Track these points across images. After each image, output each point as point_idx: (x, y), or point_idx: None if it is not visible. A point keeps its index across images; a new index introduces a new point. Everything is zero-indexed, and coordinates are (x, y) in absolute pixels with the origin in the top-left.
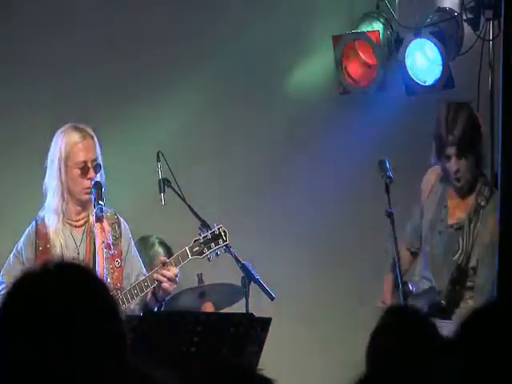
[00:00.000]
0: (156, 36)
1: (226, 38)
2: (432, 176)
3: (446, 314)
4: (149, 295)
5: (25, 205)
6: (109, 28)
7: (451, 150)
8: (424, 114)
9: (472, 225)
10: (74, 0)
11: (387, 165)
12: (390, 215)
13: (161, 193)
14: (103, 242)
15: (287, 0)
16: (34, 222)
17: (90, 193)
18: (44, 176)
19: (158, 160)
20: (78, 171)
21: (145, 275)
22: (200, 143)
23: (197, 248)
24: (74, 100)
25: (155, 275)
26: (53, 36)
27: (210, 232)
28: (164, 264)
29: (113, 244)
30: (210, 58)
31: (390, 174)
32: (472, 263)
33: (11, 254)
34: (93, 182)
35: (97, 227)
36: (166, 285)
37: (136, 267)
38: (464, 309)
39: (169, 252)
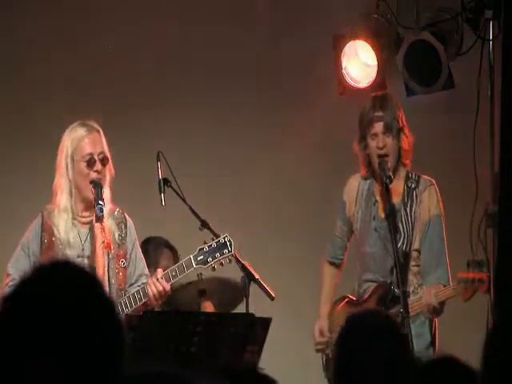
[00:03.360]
0: (156, 38)
1: (226, 38)
2: (353, 183)
3: (399, 302)
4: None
5: (31, 204)
6: (110, 30)
7: (378, 127)
8: (424, 114)
9: (408, 208)
10: (75, 1)
11: (387, 165)
12: (388, 216)
13: (161, 193)
14: (103, 241)
15: (287, 0)
16: (40, 215)
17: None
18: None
19: (158, 160)
20: (85, 164)
21: (147, 276)
22: (200, 143)
23: (201, 257)
24: (74, 101)
25: (148, 279)
26: (52, 38)
27: (215, 241)
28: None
29: (119, 244)
30: (209, 58)
31: (390, 173)
32: (415, 245)
33: (18, 248)
34: (92, 183)
35: (97, 227)
36: (150, 293)
37: (138, 267)
38: (415, 289)
39: (174, 254)
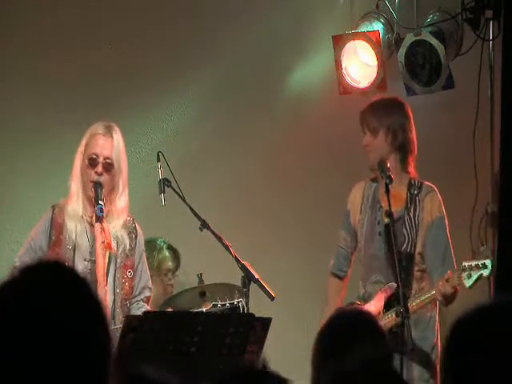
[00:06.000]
0: (155, 38)
1: (226, 38)
2: (357, 192)
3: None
4: None
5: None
6: (108, 30)
7: (364, 128)
8: (424, 114)
9: (411, 213)
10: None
11: (387, 165)
12: (389, 216)
13: (161, 193)
14: (103, 241)
15: (287, 0)
16: (50, 210)
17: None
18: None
19: (158, 160)
20: (87, 162)
21: (151, 289)
22: (200, 143)
23: (217, 311)
24: (74, 101)
25: None
26: (53, 37)
27: (229, 302)
28: None
29: (127, 255)
30: (209, 58)
31: (390, 173)
32: (418, 249)
33: (27, 240)
34: (93, 183)
35: (97, 227)
36: None
37: (143, 280)
38: (416, 293)
39: (176, 256)
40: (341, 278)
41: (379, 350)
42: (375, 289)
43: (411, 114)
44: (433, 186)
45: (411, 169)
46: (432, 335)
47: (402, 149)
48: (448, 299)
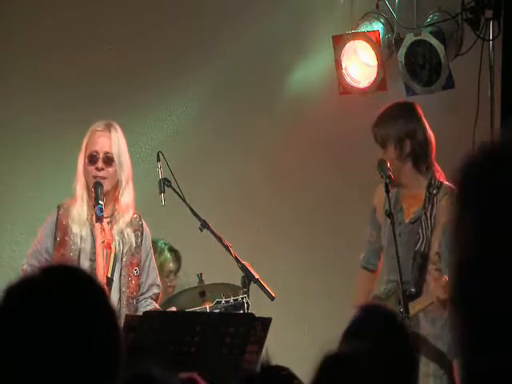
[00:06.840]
0: (155, 38)
1: (226, 38)
2: (382, 190)
3: (413, 298)
4: None
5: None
6: (108, 30)
7: (376, 143)
8: (424, 115)
9: (428, 213)
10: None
11: (387, 165)
12: (389, 215)
13: (161, 193)
14: (103, 241)
15: (287, 0)
16: (55, 212)
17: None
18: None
19: (158, 160)
20: (87, 160)
21: (159, 286)
22: (200, 143)
23: (217, 311)
24: (74, 101)
25: None
26: (53, 37)
27: (233, 298)
28: None
29: (133, 253)
30: (209, 58)
31: (390, 173)
32: (435, 249)
33: (34, 242)
34: (94, 181)
35: (97, 227)
36: None
37: (151, 277)
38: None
39: (177, 257)
40: (370, 271)
41: (400, 347)
42: (393, 287)
43: (420, 113)
44: (452, 186)
45: (432, 168)
46: (447, 335)
47: (413, 155)
48: (442, 302)
